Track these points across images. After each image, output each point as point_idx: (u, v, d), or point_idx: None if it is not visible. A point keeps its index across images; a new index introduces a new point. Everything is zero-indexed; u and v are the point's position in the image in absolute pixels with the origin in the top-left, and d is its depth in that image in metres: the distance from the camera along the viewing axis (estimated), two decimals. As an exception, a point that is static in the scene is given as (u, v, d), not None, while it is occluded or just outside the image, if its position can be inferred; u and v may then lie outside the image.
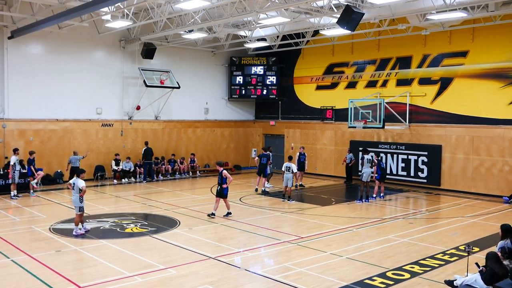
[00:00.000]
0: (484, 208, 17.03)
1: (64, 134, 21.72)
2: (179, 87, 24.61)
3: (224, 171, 14.61)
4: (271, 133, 28.91)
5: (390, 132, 22.78)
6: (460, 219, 15.09)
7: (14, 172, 17.66)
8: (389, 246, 11.80)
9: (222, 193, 14.62)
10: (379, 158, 18.60)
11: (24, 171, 18.48)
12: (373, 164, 18.32)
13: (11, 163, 17.72)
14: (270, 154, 20.75)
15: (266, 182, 20.18)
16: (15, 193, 17.73)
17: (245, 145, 28.91)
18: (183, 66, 25.92)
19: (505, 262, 8.19)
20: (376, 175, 18.36)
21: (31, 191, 18.48)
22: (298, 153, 21.47)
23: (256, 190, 20.02)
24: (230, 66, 27.99)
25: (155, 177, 23.19)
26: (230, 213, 14.90)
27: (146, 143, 23.11)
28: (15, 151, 18.06)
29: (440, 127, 21.03)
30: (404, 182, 22.00)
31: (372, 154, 18.94)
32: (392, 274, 9.58)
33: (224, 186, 14.52)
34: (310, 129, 26.43)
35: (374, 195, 18.39)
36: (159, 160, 24.18)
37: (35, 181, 18.64)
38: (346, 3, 15.10)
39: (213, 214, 14.71)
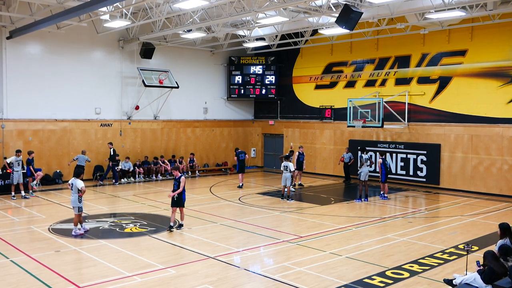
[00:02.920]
0: (483, 207, 17.05)
1: (63, 134, 21.70)
2: (178, 87, 24.60)
3: (183, 177, 12.95)
4: (270, 132, 28.92)
5: (389, 131, 22.80)
6: (459, 218, 15.10)
7: (13, 173, 17.63)
8: (389, 245, 11.81)
9: (180, 202, 12.95)
10: (383, 157, 18.58)
11: (23, 171, 18.45)
12: (371, 163, 18.32)
13: (8, 161, 17.69)
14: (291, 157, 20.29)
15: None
16: (22, 193, 17.71)
17: (245, 144, 28.88)
18: (182, 66, 25.92)
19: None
20: (380, 174, 18.32)
21: (30, 191, 18.44)
22: (297, 153, 21.42)
23: (240, 186, 20.84)
24: (229, 65, 27.98)
25: (118, 180, 21.91)
26: (182, 225, 13.21)
27: (111, 144, 21.81)
28: (17, 152, 17.99)
29: (439, 126, 21.04)
30: (403, 181, 22.02)
31: (378, 154, 18.96)
32: (392, 273, 9.59)
33: (172, 194, 12.91)
34: (309, 129, 26.43)
35: (386, 195, 18.41)
36: (157, 160, 24.17)
37: (35, 182, 18.62)
38: (344, 3, 15.10)
39: (171, 227, 13.01)
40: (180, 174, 13.01)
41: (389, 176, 19.07)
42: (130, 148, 23.92)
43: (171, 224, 13.04)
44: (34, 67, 20.77)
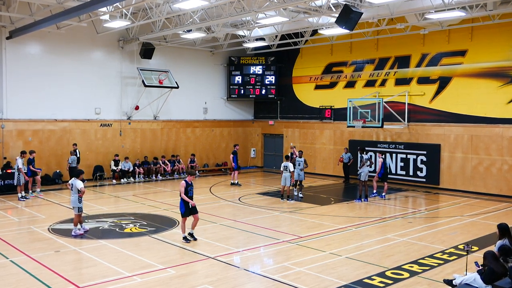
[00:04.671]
0: (483, 207, 17.04)
1: (63, 134, 21.69)
2: (177, 87, 24.60)
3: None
4: (270, 132, 28.91)
5: (389, 132, 22.79)
6: (459, 218, 15.10)
7: (19, 174, 17.53)
8: (388, 245, 11.81)
9: (195, 208, 11.84)
10: (383, 157, 18.58)
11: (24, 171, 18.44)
12: (371, 163, 18.30)
13: (19, 166, 17.56)
14: (303, 159, 18.82)
15: (297, 190, 18.63)
16: (23, 194, 17.63)
17: (244, 144, 28.89)
18: (181, 66, 25.91)
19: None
20: (378, 173, 18.32)
21: (30, 191, 18.43)
22: (290, 153, 21.08)
23: (232, 184, 21.71)
24: (228, 65, 27.98)
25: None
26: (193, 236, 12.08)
27: (75, 145, 20.76)
28: (22, 153, 17.95)
29: (439, 126, 21.04)
30: (403, 181, 22.01)
31: (377, 153, 18.88)
32: (392, 273, 9.59)
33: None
34: (309, 129, 26.43)
35: (375, 191, 18.39)
36: (157, 160, 24.17)
37: (38, 189, 18.56)
38: (344, 3, 15.10)
39: (192, 236, 11.99)
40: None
41: (389, 176, 19.03)
42: (130, 148, 23.92)
43: (186, 234, 11.90)
44: (34, 67, 20.76)
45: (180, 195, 11.67)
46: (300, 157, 18.64)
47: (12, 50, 20.11)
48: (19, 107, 20.39)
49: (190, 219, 11.92)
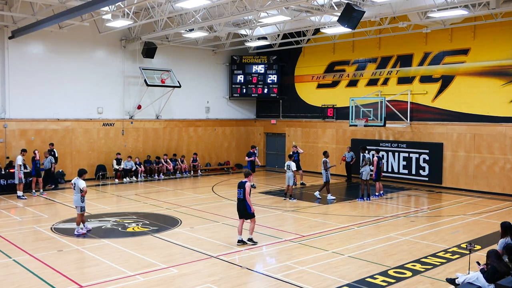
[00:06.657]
0: (485, 206, 17.00)
1: (66, 134, 21.73)
2: (180, 86, 24.61)
3: (248, 183, 11.57)
4: (272, 131, 28.91)
5: (391, 130, 22.75)
6: (461, 217, 15.07)
7: (20, 173, 17.60)
8: (391, 244, 11.80)
9: (246, 212, 11.62)
10: (380, 156, 18.51)
11: (27, 171, 18.48)
12: (372, 162, 18.29)
13: (18, 163, 17.66)
14: (326, 160, 18.52)
15: (329, 194, 18.07)
16: (22, 194, 17.70)
17: (247, 144, 28.85)
18: (184, 65, 25.92)
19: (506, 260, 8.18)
20: (372, 172, 18.26)
21: (33, 190, 18.48)
22: (291, 152, 21.04)
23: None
24: (231, 65, 27.98)
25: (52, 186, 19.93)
26: (252, 240, 11.79)
27: (52, 144, 20.32)
28: (22, 151, 18.05)
29: (441, 125, 21.00)
30: (406, 180, 21.98)
31: (373, 152, 18.85)
32: (394, 272, 9.58)
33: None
34: (311, 128, 26.41)
35: (377, 193, 18.38)
36: (159, 160, 24.19)
37: (41, 190, 18.60)
38: (347, 2, 15.08)
39: (251, 240, 11.73)
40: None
41: (391, 175, 18.99)
42: (132, 147, 23.94)
43: (243, 237, 11.68)
44: (36, 66, 20.79)
45: (246, 196, 11.35)
46: (327, 157, 18.59)
47: (14, 49, 20.14)
48: (22, 107, 20.42)
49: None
